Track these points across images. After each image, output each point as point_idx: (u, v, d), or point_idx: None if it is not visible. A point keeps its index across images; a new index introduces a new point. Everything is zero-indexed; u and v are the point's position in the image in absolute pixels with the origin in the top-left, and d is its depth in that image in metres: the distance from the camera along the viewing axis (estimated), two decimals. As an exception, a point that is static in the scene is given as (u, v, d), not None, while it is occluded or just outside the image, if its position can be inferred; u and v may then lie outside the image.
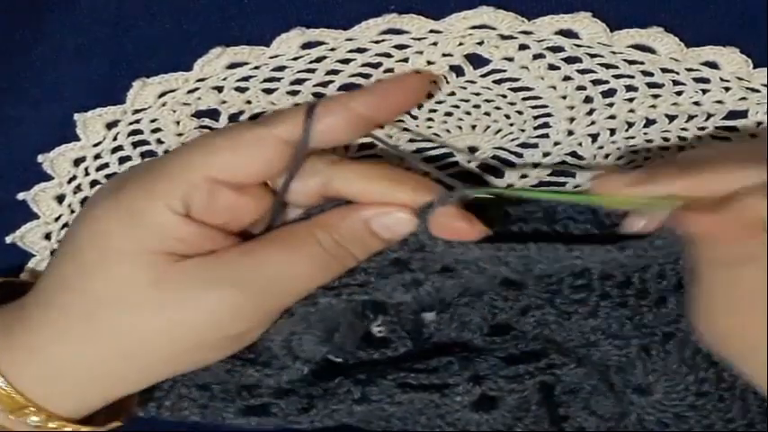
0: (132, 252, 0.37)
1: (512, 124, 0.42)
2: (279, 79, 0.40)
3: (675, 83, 0.40)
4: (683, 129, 0.42)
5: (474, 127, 0.42)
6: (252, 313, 0.38)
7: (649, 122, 0.42)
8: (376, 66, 0.40)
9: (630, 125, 0.42)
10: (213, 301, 0.37)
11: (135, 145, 0.42)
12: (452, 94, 0.41)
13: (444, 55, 0.39)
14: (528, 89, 0.41)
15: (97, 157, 0.42)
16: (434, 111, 0.41)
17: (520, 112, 0.41)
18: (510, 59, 0.39)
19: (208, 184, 0.37)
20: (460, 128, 0.42)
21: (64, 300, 0.38)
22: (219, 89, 0.40)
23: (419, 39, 0.39)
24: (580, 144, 0.43)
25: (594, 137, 0.42)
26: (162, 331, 0.38)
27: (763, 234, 0.34)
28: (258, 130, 0.38)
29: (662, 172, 0.36)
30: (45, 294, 0.39)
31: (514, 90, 0.41)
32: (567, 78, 0.40)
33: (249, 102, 0.41)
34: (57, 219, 0.44)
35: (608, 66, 0.40)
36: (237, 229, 0.39)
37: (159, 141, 0.42)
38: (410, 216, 0.38)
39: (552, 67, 0.40)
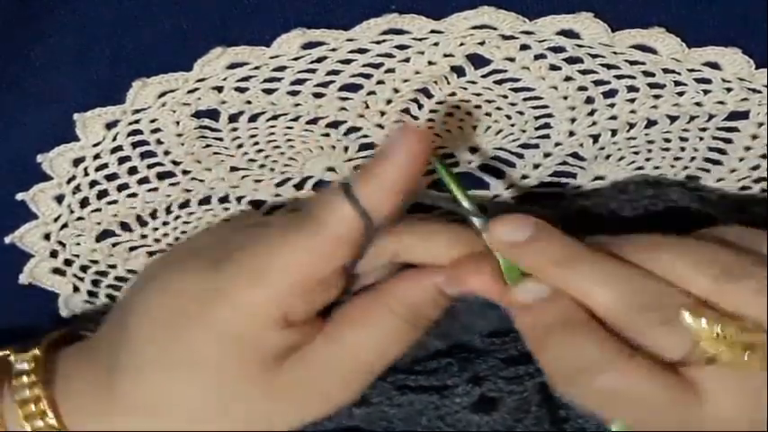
0: (249, 364, 0.39)
1: (513, 125, 0.42)
2: (279, 79, 0.40)
3: (677, 83, 0.40)
4: (684, 129, 0.42)
5: (474, 127, 0.42)
6: (343, 397, 0.40)
7: (651, 123, 0.42)
8: (377, 66, 0.40)
9: (632, 126, 0.42)
10: (314, 400, 0.40)
11: (134, 145, 0.42)
12: (453, 94, 0.41)
13: (445, 55, 0.39)
14: (529, 89, 0.40)
15: (96, 157, 0.42)
16: (435, 111, 0.41)
17: (521, 113, 0.41)
18: (511, 60, 0.39)
19: (299, 289, 0.38)
20: (461, 128, 0.42)
21: (173, 416, 0.39)
22: (219, 89, 0.40)
23: (420, 39, 0.39)
24: (581, 145, 0.42)
25: (596, 137, 0.42)
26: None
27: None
28: (319, 238, 0.38)
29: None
30: (144, 406, 0.39)
31: (515, 90, 0.41)
32: (568, 79, 0.40)
33: (249, 102, 0.41)
34: (56, 219, 0.44)
35: (609, 66, 0.39)
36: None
37: (159, 141, 0.42)
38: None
39: (553, 68, 0.40)
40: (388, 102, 0.41)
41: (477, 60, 0.40)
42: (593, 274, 0.37)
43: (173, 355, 0.39)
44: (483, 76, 0.40)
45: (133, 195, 0.44)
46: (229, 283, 0.39)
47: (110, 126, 0.41)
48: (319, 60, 0.39)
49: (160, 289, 0.40)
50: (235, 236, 0.41)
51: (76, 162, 0.42)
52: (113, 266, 0.46)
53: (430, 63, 0.40)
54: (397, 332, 0.40)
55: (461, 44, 0.39)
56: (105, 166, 0.43)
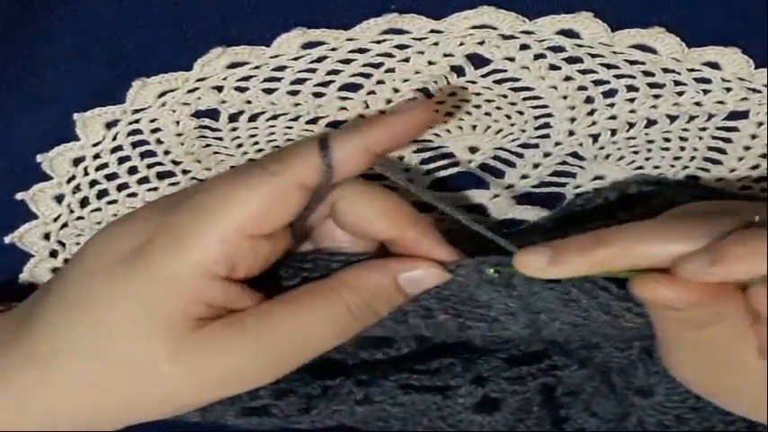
0: (157, 320, 0.36)
1: (512, 124, 0.42)
2: (279, 79, 0.40)
3: (677, 83, 0.40)
4: (684, 129, 0.42)
5: (474, 127, 0.42)
6: (264, 377, 0.38)
7: (650, 123, 0.42)
8: (377, 66, 0.40)
9: (632, 125, 0.42)
10: (229, 371, 0.37)
11: (134, 145, 0.42)
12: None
13: (445, 55, 0.39)
14: (529, 89, 0.40)
15: (96, 156, 0.42)
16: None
17: (521, 113, 0.41)
18: (511, 59, 0.39)
19: (246, 240, 0.37)
20: (461, 128, 0.42)
21: (70, 363, 0.37)
22: (219, 89, 0.40)
23: (420, 39, 0.39)
24: (581, 144, 0.42)
25: (595, 137, 0.42)
26: (169, 400, 0.38)
27: (726, 295, 0.35)
28: (278, 179, 0.37)
29: (572, 248, 0.36)
30: (44, 351, 0.38)
31: (515, 90, 0.41)
32: (568, 78, 0.40)
33: (249, 102, 0.41)
34: (56, 219, 0.44)
35: (609, 66, 0.39)
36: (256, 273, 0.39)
37: (159, 141, 0.42)
38: (441, 271, 0.39)
39: (553, 67, 0.40)
40: (388, 102, 0.41)
41: (477, 60, 0.40)
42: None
43: (93, 300, 0.37)
44: (483, 76, 0.40)
45: (133, 195, 0.44)
46: (178, 219, 0.37)
47: (110, 126, 0.41)
48: (319, 60, 0.39)
49: (100, 240, 0.39)
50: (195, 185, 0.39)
51: (76, 162, 0.42)
52: (113, 266, 0.46)
53: (430, 63, 0.40)
54: (339, 322, 0.38)
55: (461, 44, 0.39)
56: (105, 165, 0.43)
